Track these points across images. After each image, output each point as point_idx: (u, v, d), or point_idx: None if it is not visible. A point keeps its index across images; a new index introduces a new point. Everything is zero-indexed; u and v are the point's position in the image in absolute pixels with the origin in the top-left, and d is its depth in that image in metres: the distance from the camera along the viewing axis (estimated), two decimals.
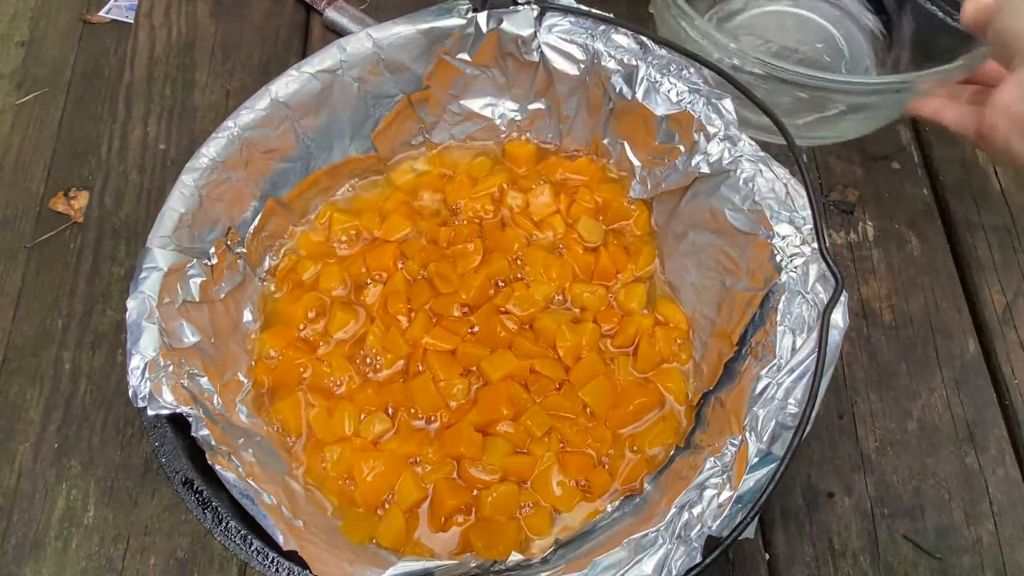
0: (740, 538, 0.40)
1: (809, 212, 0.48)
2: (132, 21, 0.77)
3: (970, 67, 0.56)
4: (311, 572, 0.42)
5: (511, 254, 0.59)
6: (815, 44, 0.70)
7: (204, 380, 0.48)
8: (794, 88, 0.55)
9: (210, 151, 0.53)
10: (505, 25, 0.57)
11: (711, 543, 0.41)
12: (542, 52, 0.58)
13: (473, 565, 0.45)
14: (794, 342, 0.45)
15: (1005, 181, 0.69)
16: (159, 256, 0.49)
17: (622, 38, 0.56)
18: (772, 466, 0.42)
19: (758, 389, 0.45)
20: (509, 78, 0.61)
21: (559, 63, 0.58)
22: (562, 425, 0.53)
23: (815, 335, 0.44)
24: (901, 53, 0.69)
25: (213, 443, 0.45)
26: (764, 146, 0.52)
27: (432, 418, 0.54)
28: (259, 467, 0.47)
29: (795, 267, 0.48)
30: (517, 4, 0.56)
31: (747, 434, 0.44)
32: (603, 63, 0.56)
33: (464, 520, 0.50)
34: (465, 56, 0.59)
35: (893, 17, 0.69)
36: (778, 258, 0.48)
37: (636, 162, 0.59)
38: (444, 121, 0.63)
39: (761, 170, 0.51)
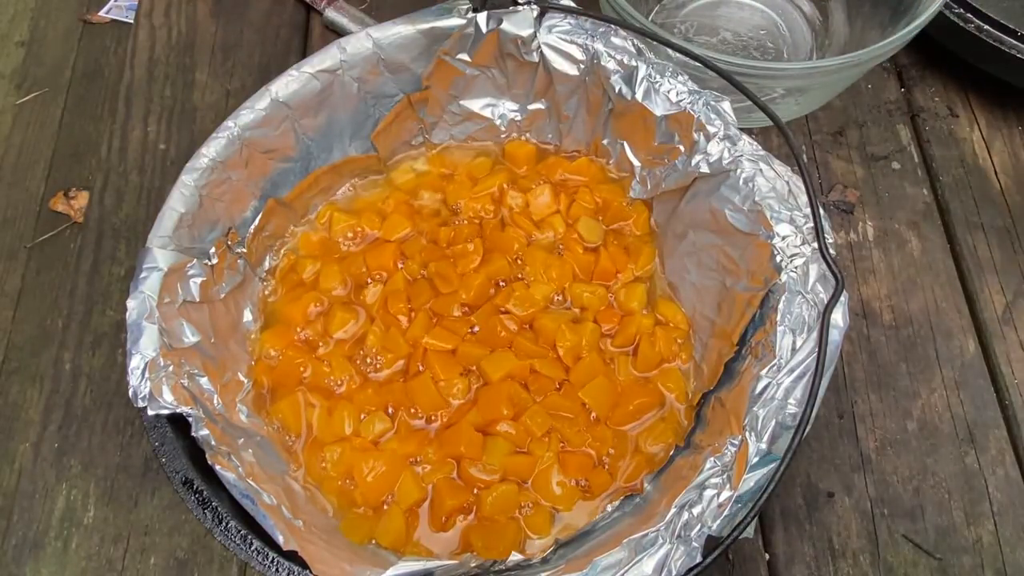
0: (740, 538, 0.40)
1: (809, 212, 0.48)
2: (132, 21, 0.77)
3: (899, 46, 0.59)
4: (311, 572, 0.42)
5: (511, 254, 0.59)
6: (759, 31, 0.74)
7: (204, 380, 0.48)
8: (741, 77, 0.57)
9: (210, 151, 0.53)
10: (505, 25, 0.57)
11: (711, 543, 0.41)
12: (542, 52, 0.58)
13: (473, 565, 0.45)
14: (794, 342, 0.45)
15: (1005, 181, 0.69)
16: (159, 256, 0.49)
17: (621, 39, 0.56)
18: (772, 466, 0.42)
19: (758, 389, 0.45)
20: (509, 78, 0.61)
21: (559, 63, 0.58)
22: (562, 425, 0.53)
23: (815, 335, 0.44)
24: (835, 37, 0.73)
25: (213, 443, 0.45)
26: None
27: (432, 418, 0.54)
28: (259, 467, 0.47)
29: (795, 267, 0.48)
30: (517, 4, 0.56)
31: (747, 434, 0.44)
32: (603, 63, 0.56)
33: (464, 520, 0.51)
34: (465, 56, 0.59)
35: (828, 3, 0.75)
36: (778, 258, 0.48)
37: (636, 162, 0.59)
38: (444, 121, 0.63)
39: (761, 169, 0.51)
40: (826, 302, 0.45)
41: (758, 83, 0.59)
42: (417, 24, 0.57)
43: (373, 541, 0.49)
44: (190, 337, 0.49)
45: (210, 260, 0.53)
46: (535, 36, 0.57)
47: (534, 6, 0.57)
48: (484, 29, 0.57)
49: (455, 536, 0.50)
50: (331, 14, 0.75)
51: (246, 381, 0.53)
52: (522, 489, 0.51)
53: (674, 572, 0.40)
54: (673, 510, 0.43)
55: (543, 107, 0.62)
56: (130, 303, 0.47)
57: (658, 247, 0.60)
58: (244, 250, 0.56)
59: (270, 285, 0.58)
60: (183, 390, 0.46)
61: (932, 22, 0.59)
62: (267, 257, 0.59)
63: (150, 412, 0.44)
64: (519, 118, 0.63)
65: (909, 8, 0.63)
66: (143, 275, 0.48)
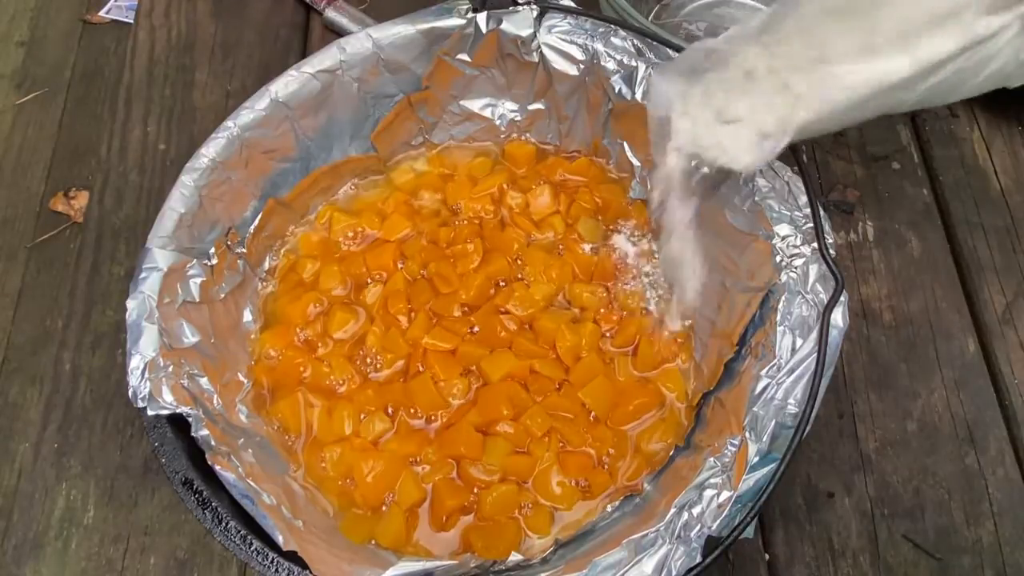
0: (740, 538, 0.40)
1: (809, 212, 0.48)
2: (132, 21, 0.77)
3: None
4: (311, 572, 0.42)
5: (511, 254, 0.59)
6: None
7: (204, 380, 0.48)
8: None
9: (210, 151, 0.53)
10: (505, 25, 0.57)
11: (711, 543, 0.41)
12: (542, 52, 0.58)
13: (473, 565, 0.45)
14: (794, 342, 0.45)
15: (1005, 181, 0.69)
16: (159, 256, 0.49)
17: (621, 39, 0.56)
18: (772, 466, 0.42)
19: (758, 389, 0.45)
20: (509, 78, 0.61)
21: (559, 63, 0.58)
22: (562, 425, 0.53)
23: (815, 335, 0.44)
24: None
25: (213, 443, 0.45)
26: None
27: (432, 418, 0.54)
28: (259, 467, 0.47)
29: (795, 267, 0.48)
30: (517, 4, 0.56)
31: (747, 434, 0.44)
32: (603, 63, 0.56)
33: (464, 520, 0.50)
34: (465, 56, 0.59)
35: None
36: (778, 258, 0.48)
37: (636, 162, 0.59)
38: (444, 121, 0.63)
39: (761, 170, 0.51)
40: (826, 302, 0.45)
41: None
42: (417, 24, 0.57)
43: (373, 541, 0.49)
44: (190, 337, 0.49)
45: (210, 260, 0.53)
46: (535, 36, 0.57)
47: (534, 6, 0.57)
48: (484, 29, 0.57)
49: (455, 536, 0.50)
50: (331, 14, 0.75)
51: (246, 381, 0.53)
52: (522, 489, 0.51)
53: (674, 572, 0.40)
54: (673, 510, 0.43)
55: (543, 107, 0.62)
56: (130, 303, 0.47)
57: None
58: (244, 250, 0.56)
59: (270, 285, 0.58)
60: (183, 390, 0.46)
61: None
62: (267, 257, 0.59)
63: (150, 412, 0.44)
64: (519, 118, 0.63)
65: None
66: (143, 275, 0.48)
